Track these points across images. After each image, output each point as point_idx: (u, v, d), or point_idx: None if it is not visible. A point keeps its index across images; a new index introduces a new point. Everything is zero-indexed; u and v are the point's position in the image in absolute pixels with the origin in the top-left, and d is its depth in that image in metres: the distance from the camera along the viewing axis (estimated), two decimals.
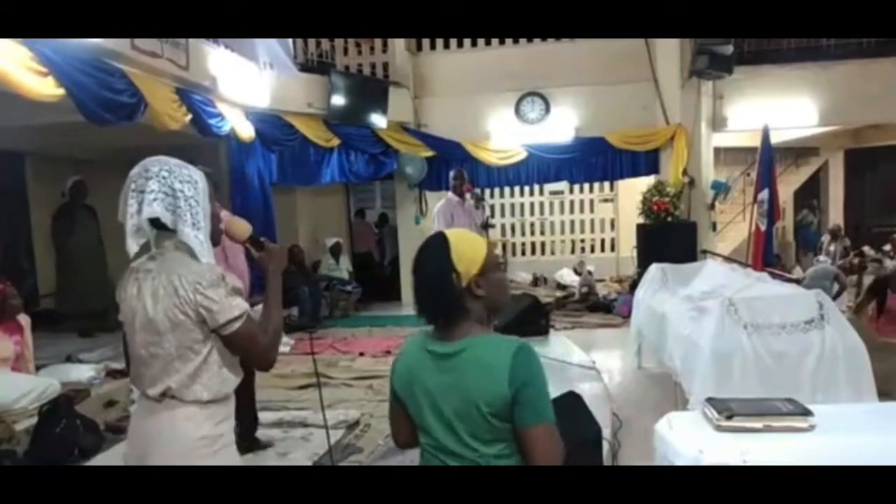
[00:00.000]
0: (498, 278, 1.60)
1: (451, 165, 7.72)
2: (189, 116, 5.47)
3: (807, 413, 1.63)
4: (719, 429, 1.63)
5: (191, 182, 1.74)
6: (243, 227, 1.90)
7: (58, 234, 6.64)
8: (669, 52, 8.25)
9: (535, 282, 10.20)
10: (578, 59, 8.56)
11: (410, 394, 1.59)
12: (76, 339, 6.26)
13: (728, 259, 7.57)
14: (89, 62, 4.36)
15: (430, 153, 8.77)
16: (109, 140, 5.95)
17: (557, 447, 1.48)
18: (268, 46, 6.89)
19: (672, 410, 4.51)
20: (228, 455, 1.76)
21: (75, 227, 6.59)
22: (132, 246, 1.72)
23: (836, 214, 12.76)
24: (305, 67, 7.97)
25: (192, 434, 1.68)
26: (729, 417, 1.63)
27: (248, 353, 1.75)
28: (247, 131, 6.57)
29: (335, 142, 8.17)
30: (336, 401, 4.99)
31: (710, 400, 1.73)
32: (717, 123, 8.81)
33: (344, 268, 9.03)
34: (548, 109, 8.70)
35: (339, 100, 7.91)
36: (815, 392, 3.55)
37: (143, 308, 1.69)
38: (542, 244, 11.63)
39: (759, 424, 1.61)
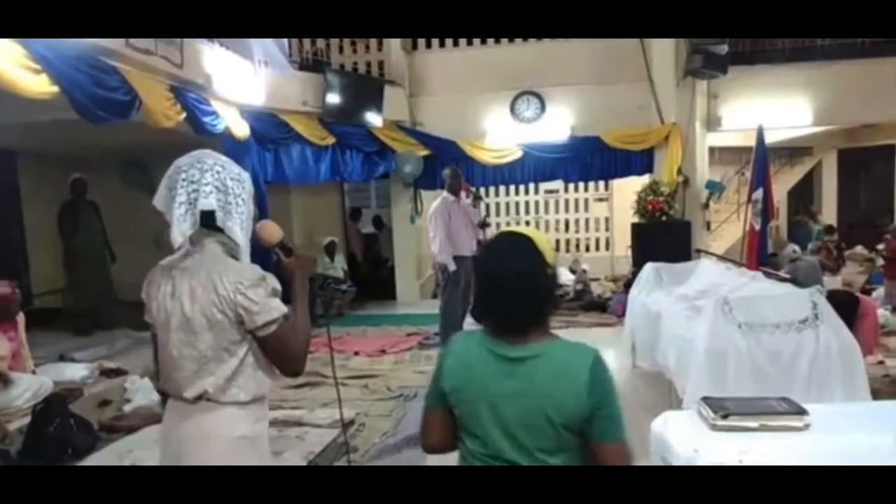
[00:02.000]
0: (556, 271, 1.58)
1: (447, 164, 7.71)
2: (183, 115, 5.43)
3: (802, 412, 1.63)
4: (715, 428, 1.64)
5: (240, 181, 1.72)
6: (276, 231, 1.83)
7: (63, 231, 6.69)
8: (664, 51, 8.26)
9: None
10: (574, 58, 8.56)
11: (467, 396, 1.50)
12: (69, 338, 6.25)
13: (722, 258, 7.59)
14: (83, 59, 4.33)
15: (425, 152, 8.77)
16: (103, 138, 5.93)
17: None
18: (263, 44, 6.86)
19: (666, 409, 4.54)
20: (268, 456, 1.75)
21: (79, 225, 6.65)
22: (177, 237, 1.66)
23: (829, 214, 12.81)
24: (301, 66, 7.96)
25: (231, 434, 1.66)
26: (724, 417, 1.63)
27: (281, 356, 1.71)
28: (242, 130, 6.54)
29: (330, 140, 8.15)
30: (331, 400, 4.98)
31: (705, 399, 1.73)
32: (712, 123, 8.84)
33: (339, 266, 9.02)
34: (543, 108, 8.70)
35: (334, 98, 7.90)
36: (810, 391, 3.57)
37: (180, 307, 1.64)
38: None
39: (754, 424, 1.61)
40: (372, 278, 9.90)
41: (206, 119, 5.82)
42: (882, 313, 7.48)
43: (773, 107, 8.49)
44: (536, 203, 11.53)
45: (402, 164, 8.74)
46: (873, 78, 8.41)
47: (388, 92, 8.45)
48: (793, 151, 12.49)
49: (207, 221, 1.66)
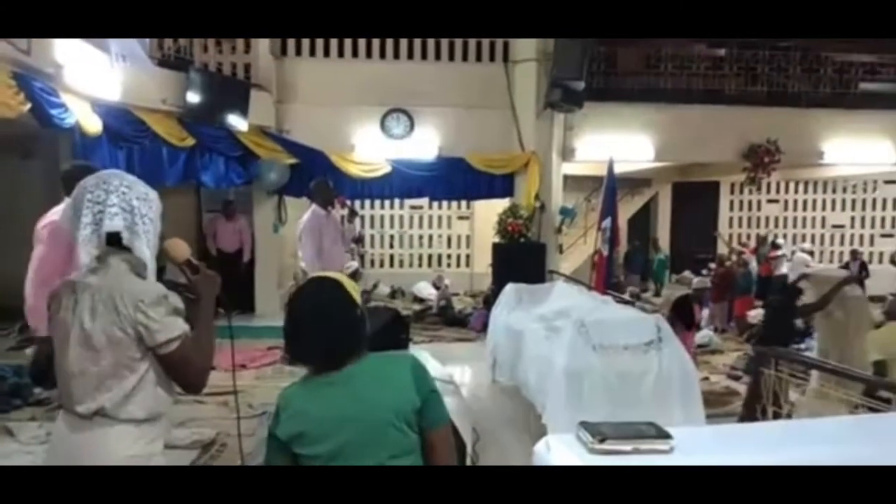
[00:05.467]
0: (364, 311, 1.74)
1: (315, 174, 7.59)
2: (28, 105, 4.96)
3: (667, 436, 1.82)
4: (593, 451, 1.76)
5: (147, 200, 1.75)
6: (184, 249, 1.88)
7: None
8: (527, 82, 8.74)
9: (393, 294, 10.31)
10: (442, 80, 8.81)
11: (304, 436, 1.59)
12: None
13: (574, 280, 8.11)
14: None
15: (292, 160, 8.59)
16: None
17: (453, 443, 1.70)
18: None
19: (525, 423, 4.79)
20: None
21: None
22: (84, 258, 1.69)
23: (663, 242, 14.11)
24: (161, 62, 7.53)
25: (123, 453, 1.67)
26: (602, 441, 1.78)
27: (182, 374, 1.75)
28: (93, 125, 6.06)
29: (190, 142, 7.76)
30: (187, 419, 4.73)
31: (583, 424, 1.88)
32: (567, 153, 9.44)
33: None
34: (412, 127, 8.84)
35: (195, 97, 7.54)
36: (654, 409, 3.91)
37: (80, 323, 1.65)
38: (401, 257, 11.77)
39: (628, 447, 1.77)
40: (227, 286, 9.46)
41: (54, 111, 5.35)
42: (707, 333, 8.38)
43: (620, 141, 9.26)
44: (401, 217, 11.69)
45: (266, 172, 8.47)
46: (705, 122, 9.46)
47: (254, 96, 8.19)
48: (634, 183, 13.63)
49: (114, 241, 1.70)
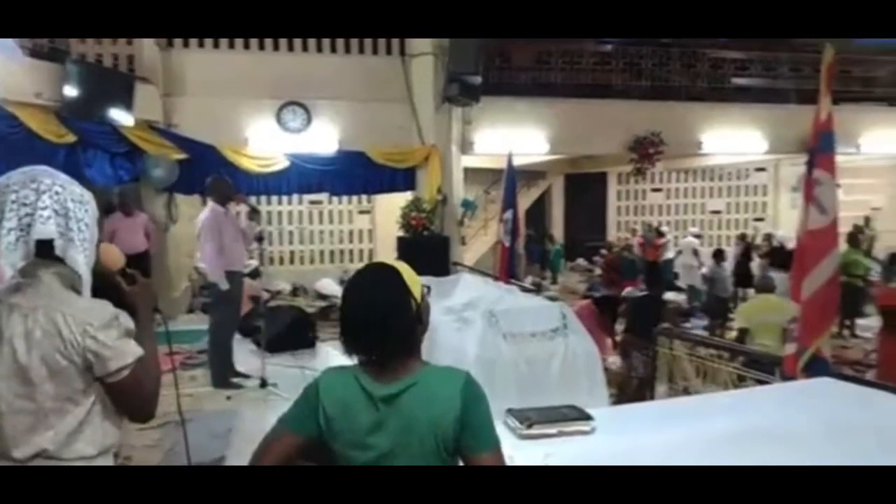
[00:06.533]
0: (428, 302, 1.61)
1: (207, 169, 7.29)
2: None
3: (588, 417, 1.93)
4: (522, 437, 1.85)
5: (82, 203, 1.52)
6: (117, 257, 1.67)
7: None
8: (424, 76, 8.78)
9: (295, 291, 10.08)
10: (339, 73, 8.70)
11: (348, 440, 1.47)
12: None
13: (478, 271, 8.28)
14: None
15: (181, 155, 8.20)
16: None
17: None
18: None
19: None
20: None
21: None
22: (7, 271, 1.42)
23: (557, 231, 14.65)
24: (34, 53, 6.97)
25: None
26: (529, 426, 1.86)
27: (131, 401, 1.52)
28: None
29: (70, 138, 7.25)
30: None
31: (510, 411, 1.95)
32: (466, 146, 9.61)
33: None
34: (310, 120, 8.66)
35: (73, 91, 7.04)
36: (561, 393, 4.08)
37: (12, 353, 1.39)
38: (302, 253, 11.53)
39: (553, 430, 1.86)
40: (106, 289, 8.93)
41: None
42: None
43: (516, 135, 9.50)
44: (300, 213, 11.44)
45: (152, 168, 8.04)
46: (594, 115, 9.89)
47: (139, 90, 7.75)
48: (529, 175, 14.06)
49: (43, 250, 1.46)
